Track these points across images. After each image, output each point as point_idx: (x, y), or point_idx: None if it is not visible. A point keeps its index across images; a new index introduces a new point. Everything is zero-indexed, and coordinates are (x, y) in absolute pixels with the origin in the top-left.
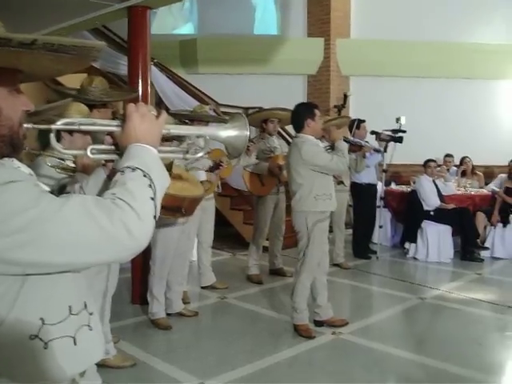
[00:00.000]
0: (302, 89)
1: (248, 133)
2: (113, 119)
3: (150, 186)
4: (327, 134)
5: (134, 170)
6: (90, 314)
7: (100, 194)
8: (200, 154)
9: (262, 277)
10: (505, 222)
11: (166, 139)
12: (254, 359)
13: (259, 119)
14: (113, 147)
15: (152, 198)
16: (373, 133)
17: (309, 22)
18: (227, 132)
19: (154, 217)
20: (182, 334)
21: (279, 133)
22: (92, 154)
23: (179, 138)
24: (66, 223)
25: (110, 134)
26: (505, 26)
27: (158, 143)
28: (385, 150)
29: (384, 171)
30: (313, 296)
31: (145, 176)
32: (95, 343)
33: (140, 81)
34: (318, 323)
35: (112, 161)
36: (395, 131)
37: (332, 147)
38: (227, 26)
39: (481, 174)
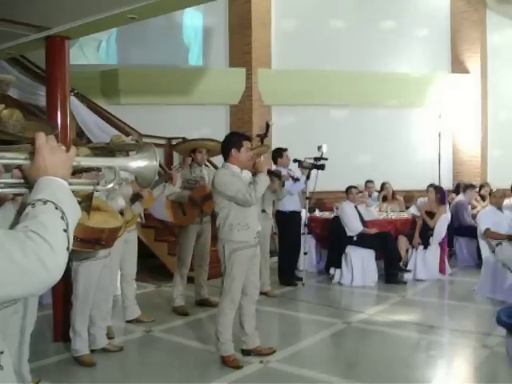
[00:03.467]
0: (225, 118)
1: (157, 163)
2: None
3: (62, 218)
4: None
5: (45, 202)
6: (1, 352)
7: (10, 228)
8: (110, 186)
9: (187, 308)
10: (425, 245)
11: (78, 172)
12: None
13: (188, 149)
14: (22, 181)
15: (65, 230)
16: (295, 161)
17: (230, 52)
18: (137, 162)
19: (68, 249)
20: (106, 371)
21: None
22: (0, 188)
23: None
24: None
25: (19, 167)
26: (417, 56)
27: (69, 176)
28: (307, 178)
29: (307, 198)
30: (240, 324)
31: (56, 208)
32: (7, 383)
33: (59, 112)
34: (246, 352)
35: (21, 194)
36: (317, 159)
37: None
38: (149, 57)
39: (401, 198)
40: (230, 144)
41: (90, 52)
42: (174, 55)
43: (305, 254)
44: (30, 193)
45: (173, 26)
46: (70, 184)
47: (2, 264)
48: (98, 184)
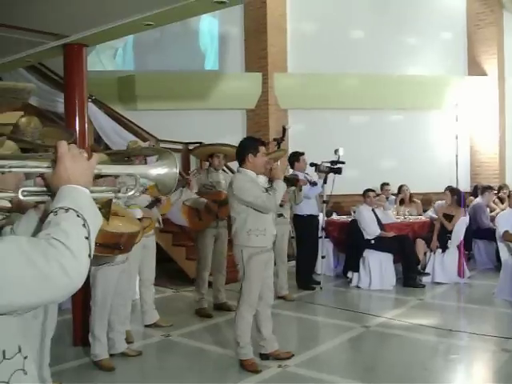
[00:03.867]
0: (242, 123)
1: (177, 170)
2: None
3: (84, 225)
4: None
5: (67, 210)
6: (25, 357)
7: (32, 235)
8: (131, 193)
9: (209, 310)
10: (443, 248)
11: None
12: None
13: (205, 154)
14: (44, 188)
15: (86, 238)
16: (312, 165)
17: (246, 57)
18: (157, 170)
19: (89, 256)
20: (126, 375)
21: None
22: (24, 196)
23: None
24: (1, 264)
25: (41, 175)
26: (434, 59)
27: (90, 183)
28: (324, 182)
29: (324, 202)
30: (257, 328)
31: (78, 216)
32: None
33: (77, 118)
34: (264, 356)
35: (44, 202)
36: (334, 162)
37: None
38: (165, 63)
39: (418, 201)
40: (246, 149)
41: (107, 58)
42: (190, 61)
43: (322, 257)
44: (52, 201)
45: (189, 32)
46: (92, 192)
47: (25, 271)
48: (119, 191)
